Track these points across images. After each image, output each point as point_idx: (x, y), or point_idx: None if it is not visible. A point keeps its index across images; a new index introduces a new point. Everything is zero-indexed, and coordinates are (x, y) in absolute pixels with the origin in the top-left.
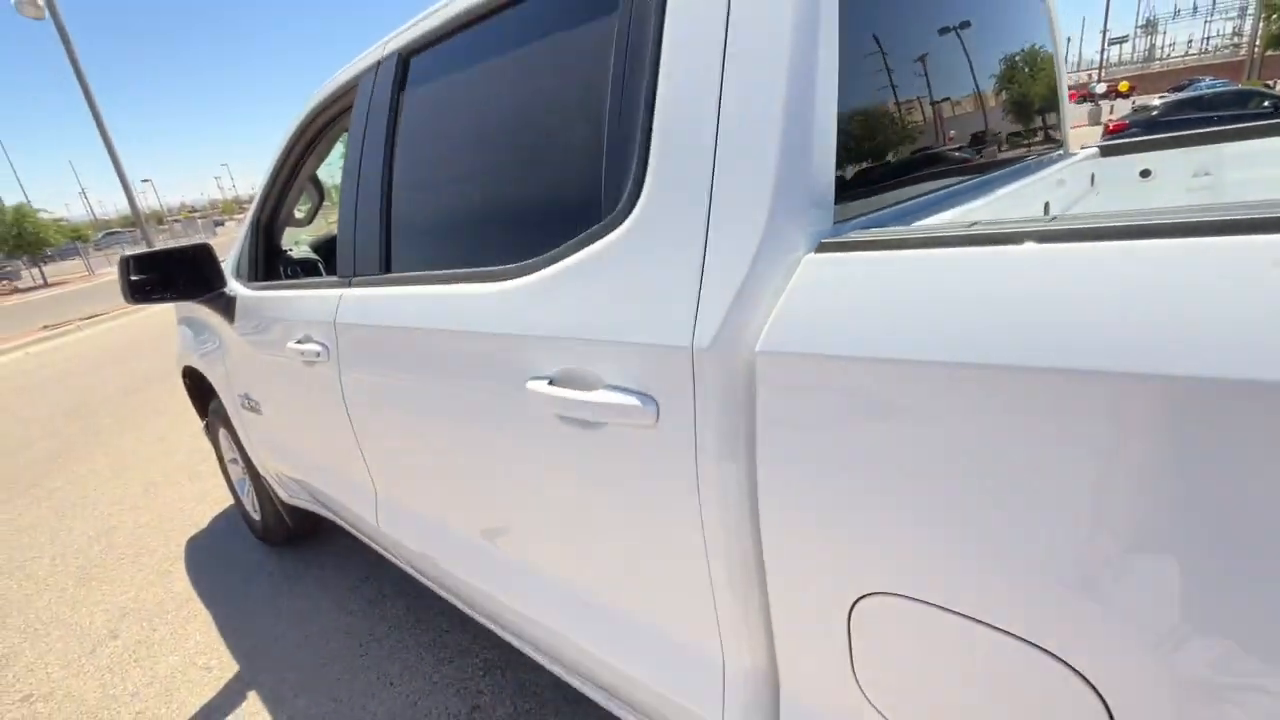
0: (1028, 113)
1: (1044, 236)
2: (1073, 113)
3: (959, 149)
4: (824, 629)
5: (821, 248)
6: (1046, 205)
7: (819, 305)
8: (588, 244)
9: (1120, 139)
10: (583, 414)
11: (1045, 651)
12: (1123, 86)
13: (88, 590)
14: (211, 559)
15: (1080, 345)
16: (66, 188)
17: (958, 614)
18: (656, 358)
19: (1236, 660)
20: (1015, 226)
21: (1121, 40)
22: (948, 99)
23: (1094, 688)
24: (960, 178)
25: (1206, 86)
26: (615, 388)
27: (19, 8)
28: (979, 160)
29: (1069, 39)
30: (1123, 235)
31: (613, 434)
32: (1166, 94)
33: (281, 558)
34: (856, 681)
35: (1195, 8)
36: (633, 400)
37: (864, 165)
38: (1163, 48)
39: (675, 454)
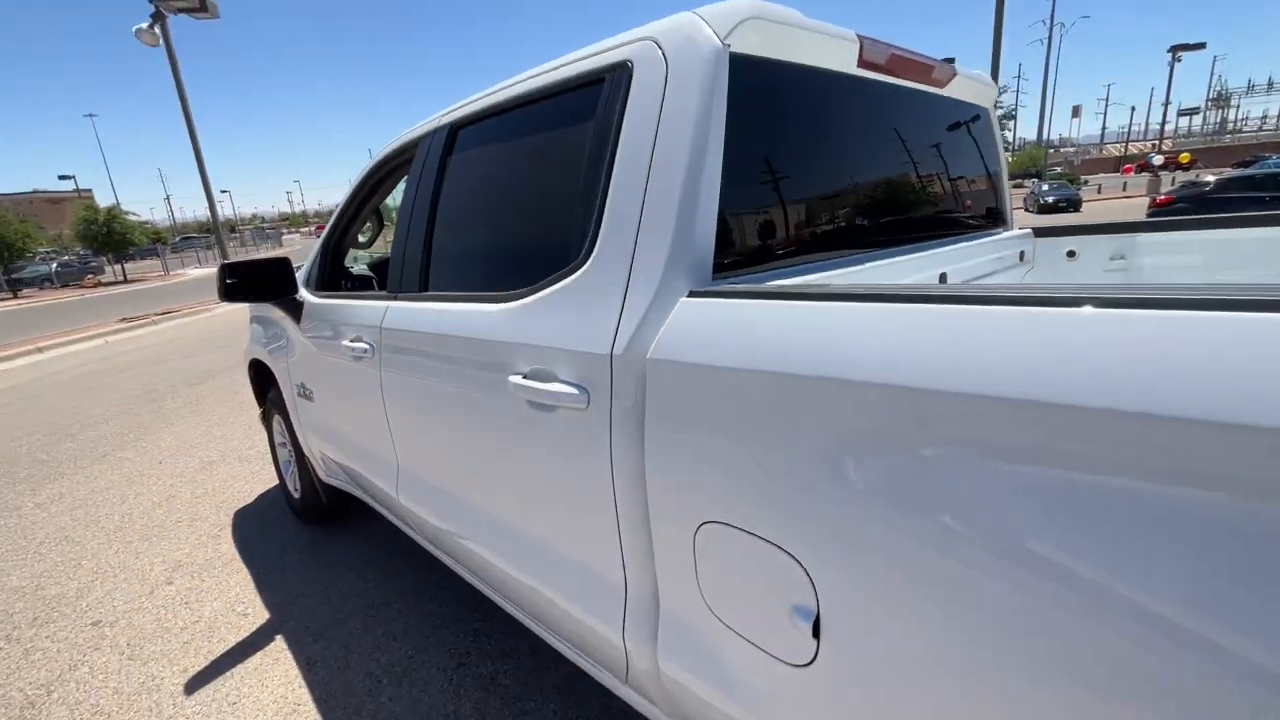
0: (933, 199)
1: (838, 296)
2: (1133, 182)
3: (839, 228)
4: (682, 554)
5: (692, 294)
6: (943, 275)
7: (685, 330)
8: (558, 280)
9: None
10: (543, 400)
11: (784, 550)
12: (1183, 159)
13: (149, 545)
14: (254, 529)
15: (832, 365)
16: (153, 193)
17: (744, 530)
18: (589, 361)
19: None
20: (828, 288)
21: (1192, 112)
22: (829, 193)
23: (803, 567)
24: (846, 251)
25: (1274, 164)
26: (565, 381)
27: (138, 36)
28: (873, 236)
29: (1133, 107)
30: (877, 299)
31: (561, 415)
32: (1226, 169)
33: (313, 533)
34: (700, 593)
35: (1271, 84)
36: (574, 390)
37: (745, 240)
38: (1235, 121)
39: (598, 428)
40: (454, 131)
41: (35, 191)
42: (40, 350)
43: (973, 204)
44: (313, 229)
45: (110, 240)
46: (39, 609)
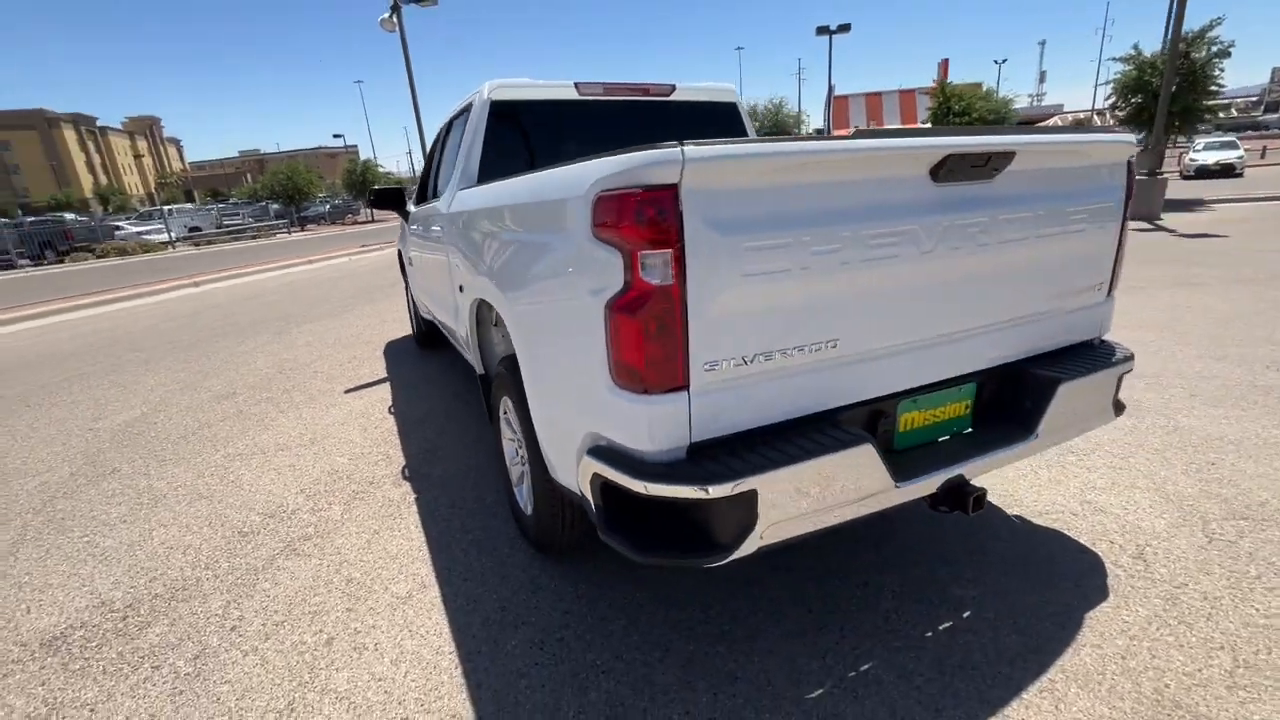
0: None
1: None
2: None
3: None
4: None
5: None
6: None
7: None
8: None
9: None
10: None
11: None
12: None
13: (345, 350)
14: (398, 347)
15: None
16: (400, 147)
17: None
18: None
19: None
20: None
21: None
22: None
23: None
24: None
25: None
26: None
27: (382, 25)
28: None
29: None
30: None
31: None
32: None
33: (421, 350)
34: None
35: None
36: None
37: (490, 176)
38: None
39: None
40: (449, 122)
41: (319, 147)
42: (311, 262)
43: None
44: None
45: (364, 187)
46: (293, 372)
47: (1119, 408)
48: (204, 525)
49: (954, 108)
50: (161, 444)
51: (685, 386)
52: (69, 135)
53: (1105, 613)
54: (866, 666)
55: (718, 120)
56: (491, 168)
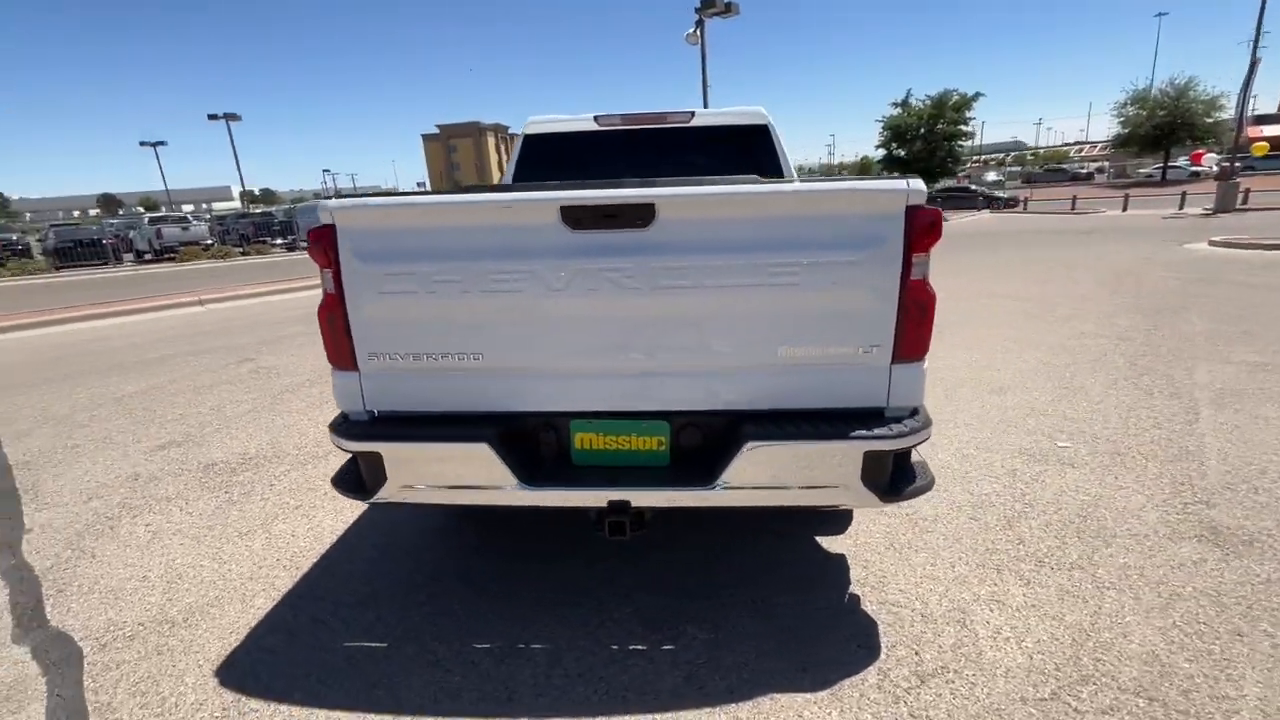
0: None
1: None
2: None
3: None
4: None
5: None
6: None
7: None
8: None
9: None
10: None
11: None
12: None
13: None
14: None
15: None
16: None
17: None
18: None
19: None
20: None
21: None
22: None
23: None
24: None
25: None
26: None
27: (686, 39)
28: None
29: None
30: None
31: None
32: None
33: None
34: None
35: None
36: None
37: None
38: None
39: None
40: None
41: None
42: None
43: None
44: None
45: None
46: None
47: (890, 491)
48: None
49: None
50: None
51: (355, 368)
52: (490, 140)
53: None
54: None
55: (743, 142)
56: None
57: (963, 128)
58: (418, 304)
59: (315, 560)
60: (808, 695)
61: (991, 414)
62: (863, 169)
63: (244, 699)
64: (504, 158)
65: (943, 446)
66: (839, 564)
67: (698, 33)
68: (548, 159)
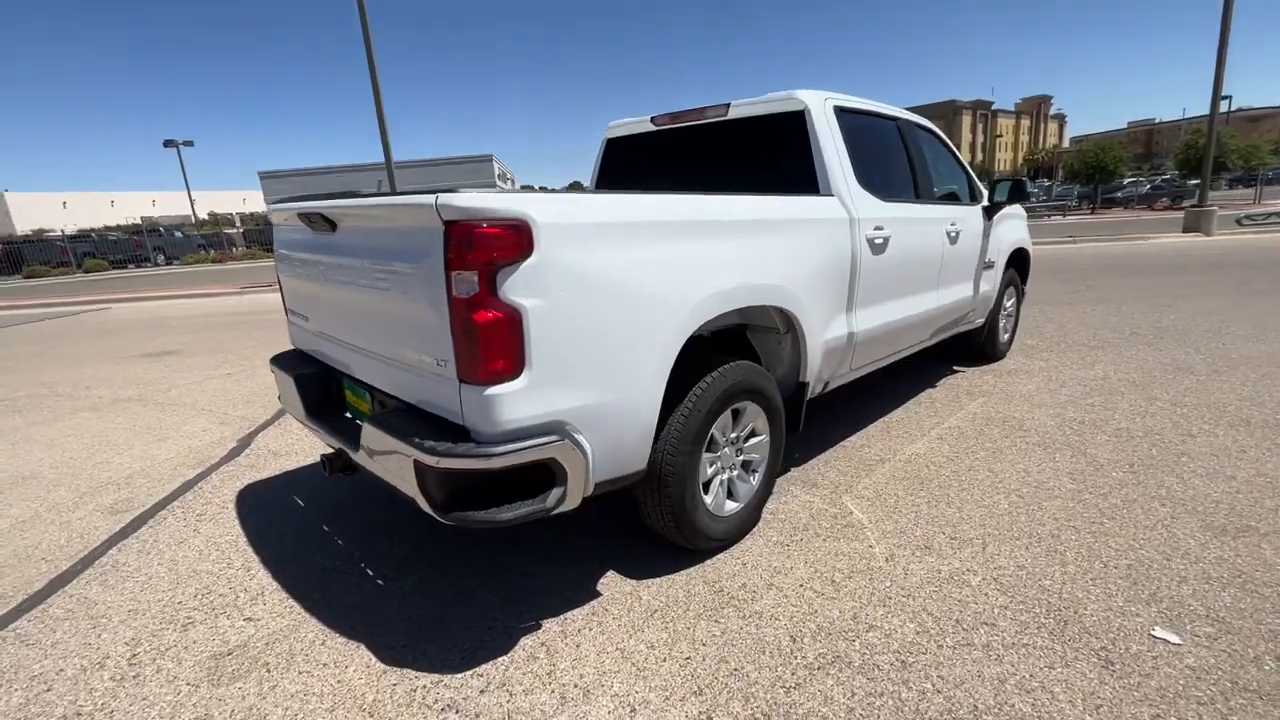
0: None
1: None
2: None
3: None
4: None
5: None
6: None
7: None
8: None
9: None
10: None
11: None
12: None
13: None
14: None
15: None
16: None
17: None
18: None
19: None
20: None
21: None
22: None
23: None
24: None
25: None
26: None
27: None
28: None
29: None
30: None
31: None
32: None
33: None
34: None
35: None
36: None
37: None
38: None
39: None
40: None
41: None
42: None
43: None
44: None
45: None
46: None
47: (444, 508)
48: None
49: None
50: None
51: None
52: (965, 120)
53: None
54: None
55: (780, 132)
56: (609, 187)
57: None
58: (284, 278)
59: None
60: None
61: None
62: None
63: None
64: (982, 138)
65: None
66: None
67: None
68: (618, 161)
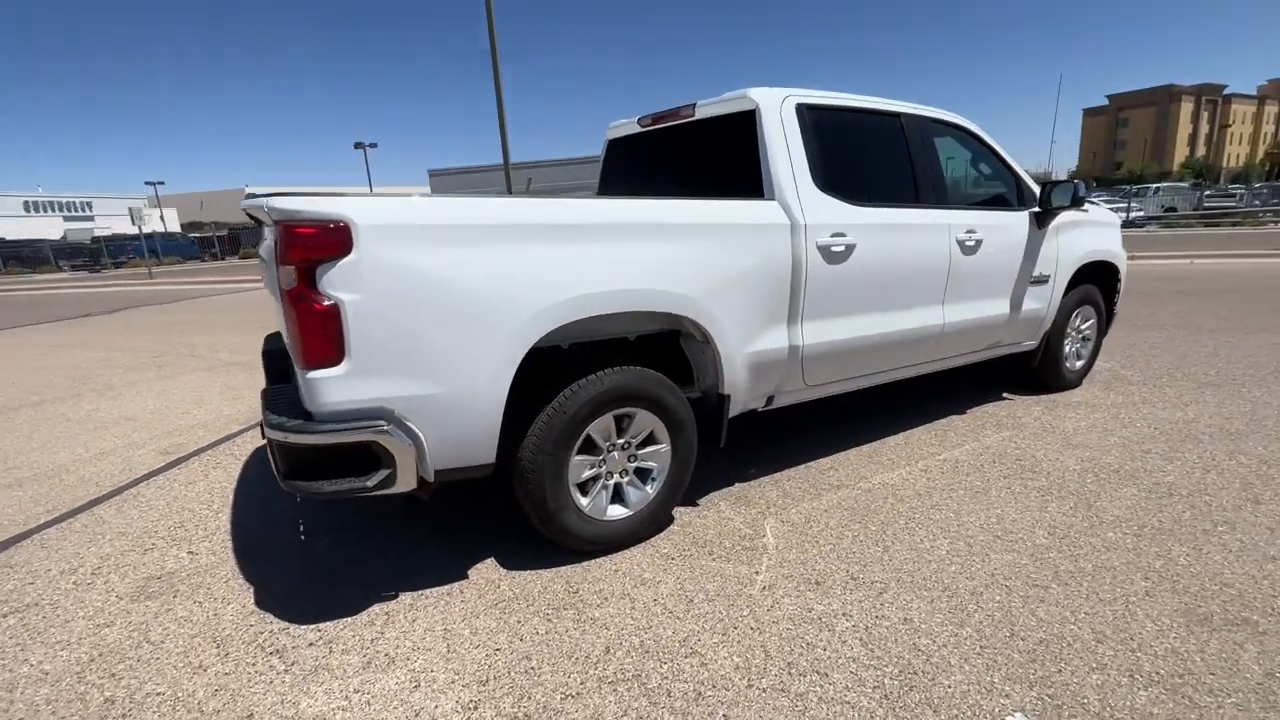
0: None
1: None
2: None
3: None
4: None
5: None
6: None
7: None
8: None
9: None
10: None
11: None
12: None
13: None
14: None
15: None
16: None
17: None
18: None
19: None
20: None
21: None
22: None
23: None
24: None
25: None
26: None
27: None
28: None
29: None
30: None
31: None
32: None
33: None
34: None
35: None
36: None
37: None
38: None
39: None
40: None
41: None
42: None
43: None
44: None
45: None
46: None
47: (286, 475)
48: None
49: None
50: None
51: None
52: (1185, 108)
53: None
54: None
55: (733, 132)
56: (607, 187)
57: None
58: None
59: None
60: None
61: None
62: None
63: None
64: (1207, 129)
65: None
66: None
67: None
68: (617, 161)
